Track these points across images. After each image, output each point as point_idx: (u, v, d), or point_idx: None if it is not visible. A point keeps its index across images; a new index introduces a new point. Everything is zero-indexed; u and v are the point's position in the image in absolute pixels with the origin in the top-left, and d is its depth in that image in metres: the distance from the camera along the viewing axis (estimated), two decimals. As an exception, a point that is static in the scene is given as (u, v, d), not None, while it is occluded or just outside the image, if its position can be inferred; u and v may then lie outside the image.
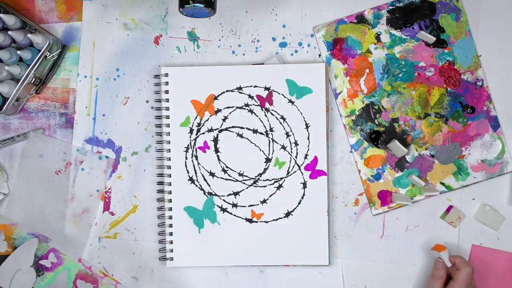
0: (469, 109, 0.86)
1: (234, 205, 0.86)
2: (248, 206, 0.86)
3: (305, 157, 0.85)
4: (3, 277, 0.86)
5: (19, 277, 0.87)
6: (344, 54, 0.87)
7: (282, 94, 0.86)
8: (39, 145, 0.88)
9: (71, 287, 0.86)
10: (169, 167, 0.86)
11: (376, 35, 0.87)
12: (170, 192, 0.86)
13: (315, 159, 0.85)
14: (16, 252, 0.87)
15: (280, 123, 0.86)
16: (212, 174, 0.86)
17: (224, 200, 0.86)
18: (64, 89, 0.89)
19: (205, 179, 0.86)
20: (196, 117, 0.86)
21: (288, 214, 0.85)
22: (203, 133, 0.86)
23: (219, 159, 0.86)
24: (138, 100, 0.88)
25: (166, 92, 0.86)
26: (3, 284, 0.86)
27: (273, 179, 0.86)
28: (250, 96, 0.86)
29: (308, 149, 0.85)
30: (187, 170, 0.86)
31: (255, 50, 0.88)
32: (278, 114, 0.86)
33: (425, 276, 0.87)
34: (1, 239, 0.87)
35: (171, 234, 0.86)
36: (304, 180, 0.85)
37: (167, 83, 0.86)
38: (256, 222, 0.86)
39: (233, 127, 0.86)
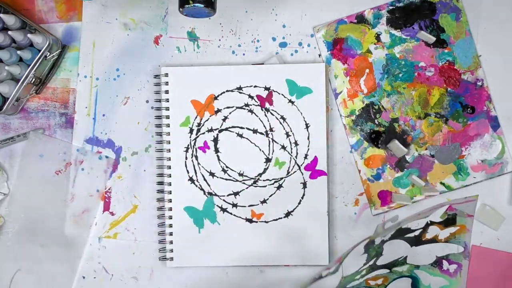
0: (469, 109, 0.86)
1: (234, 205, 0.86)
2: (248, 206, 0.86)
3: (305, 157, 0.85)
4: (3, 277, 0.86)
5: (19, 277, 0.87)
6: (344, 54, 0.87)
7: (282, 94, 0.86)
8: (39, 145, 0.88)
9: None
10: (169, 167, 0.86)
11: (376, 35, 0.87)
12: (170, 192, 0.86)
13: (315, 159, 0.85)
14: (16, 252, 0.87)
15: (280, 123, 0.86)
16: (212, 174, 0.86)
17: (224, 200, 0.86)
18: (64, 89, 0.89)
19: (205, 179, 0.86)
20: (196, 117, 0.86)
21: (288, 214, 0.85)
22: (203, 133, 0.86)
23: (219, 159, 0.86)
24: (138, 100, 0.88)
25: (166, 92, 0.86)
26: (3, 284, 0.86)
27: (273, 179, 0.86)
28: (250, 96, 0.86)
29: (308, 149, 0.86)
30: (187, 170, 0.86)
31: (255, 50, 0.88)
32: (278, 114, 0.86)
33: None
34: None
35: (171, 234, 0.86)
36: (304, 180, 0.85)
37: (167, 83, 0.86)
38: (256, 222, 0.86)
39: (233, 127, 0.86)
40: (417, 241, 0.78)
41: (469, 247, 0.77)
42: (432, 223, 0.76)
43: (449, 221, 0.76)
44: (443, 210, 0.74)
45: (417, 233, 0.77)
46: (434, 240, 0.77)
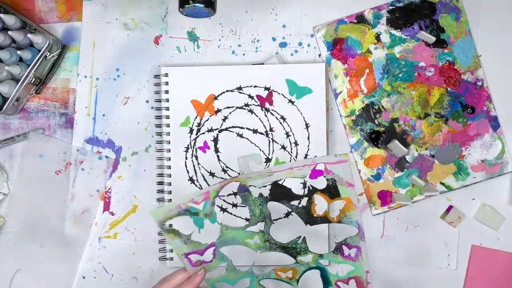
0: (469, 109, 0.86)
1: (234, 205, 0.86)
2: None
3: (305, 157, 0.85)
4: (3, 277, 0.86)
5: (19, 277, 0.87)
6: (344, 54, 0.87)
7: (282, 94, 0.86)
8: (39, 145, 0.88)
9: None
10: (169, 167, 0.86)
11: (376, 35, 0.87)
12: (170, 192, 0.86)
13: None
14: (16, 252, 0.87)
15: (280, 123, 0.86)
16: (212, 174, 0.86)
17: (224, 200, 0.86)
18: (64, 89, 0.89)
19: (205, 179, 0.86)
20: (196, 117, 0.86)
21: (288, 214, 0.85)
22: (203, 133, 0.86)
23: (219, 159, 0.86)
24: (138, 100, 0.88)
25: (166, 92, 0.86)
26: (3, 284, 0.86)
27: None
28: (250, 96, 0.86)
29: (308, 149, 0.85)
30: (187, 170, 0.86)
31: (255, 50, 0.88)
32: (278, 114, 0.86)
33: (426, 276, 0.87)
34: None
35: (171, 234, 0.86)
36: (304, 180, 0.85)
37: (167, 83, 0.86)
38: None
39: (233, 127, 0.86)
40: (308, 217, 0.80)
41: (362, 227, 0.79)
42: (314, 189, 0.79)
43: (331, 190, 0.79)
44: (321, 170, 0.78)
45: (304, 202, 0.80)
46: (325, 218, 0.80)
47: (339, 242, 0.80)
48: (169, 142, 0.86)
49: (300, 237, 0.81)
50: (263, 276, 0.82)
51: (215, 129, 0.86)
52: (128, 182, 0.88)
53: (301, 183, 0.81)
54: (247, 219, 0.85)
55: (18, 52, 0.84)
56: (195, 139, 0.86)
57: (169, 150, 0.86)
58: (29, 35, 0.82)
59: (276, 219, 0.84)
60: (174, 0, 0.88)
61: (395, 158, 0.86)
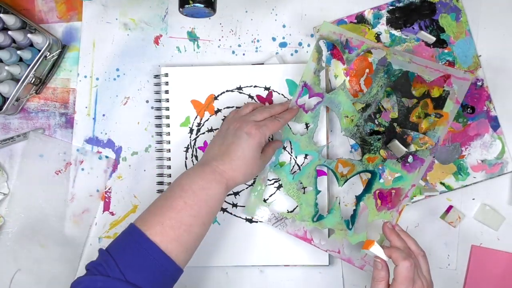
0: (469, 109, 0.86)
1: (234, 205, 0.86)
2: (248, 206, 0.86)
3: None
4: (3, 277, 0.86)
5: (19, 277, 0.87)
6: (344, 54, 0.87)
7: (282, 94, 0.86)
8: (39, 145, 0.88)
9: None
10: (169, 167, 0.86)
11: (376, 35, 0.87)
12: (170, 192, 0.86)
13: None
14: (16, 252, 0.87)
15: (280, 123, 0.86)
16: (212, 174, 0.86)
17: (224, 200, 0.86)
18: (64, 89, 0.89)
19: (205, 179, 0.86)
20: (196, 117, 0.86)
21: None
22: (203, 133, 0.86)
23: (219, 159, 0.86)
24: (138, 100, 0.88)
25: (166, 92, 0.86)
26: (3, 284, 0.86)
27: (273, 179, 0.85)
28: (250, 96, 0.86)
29: (308, 149, 0.85)
30: (187, 170, 0.86)
31: (255, 50, 0.88)
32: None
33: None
34: None
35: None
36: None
37: (167, 83, 0.86)
38: (256, 222, 0.86)
39: (233, 127, 0.86)
40: (404, 119, 0.82)
41: (440, 141, 0.81)
42: (428, 96, 0.82)
43: (439, 100, 0.81)
44: (444, 80, 0.81)
45: (410, 103, 0.82)
46: (416, 125, 0.82)
47: (409, 152, 0.82)
48: (169, 142, 0.86)
49: (380, 138, 0.83)
50: (325, 161, 0.83)
51: (215, 129, 0.86)
52: (128, 182, 0.88)
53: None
54: (247, 219, 0.86)
55: (18, 52, 0.84)
56: (195, 139, 0.86)
57: (169, 150, 0.86)
58: (29, 35, 0.83)
59: (376, 112, 0.85)
60: (174, 0, 0.88)
61: (395, 158, 0.86)
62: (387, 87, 0.82)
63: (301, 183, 0.83)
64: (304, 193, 0.83)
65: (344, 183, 0.84)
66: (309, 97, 0.83)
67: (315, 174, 0.83)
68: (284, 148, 0.85)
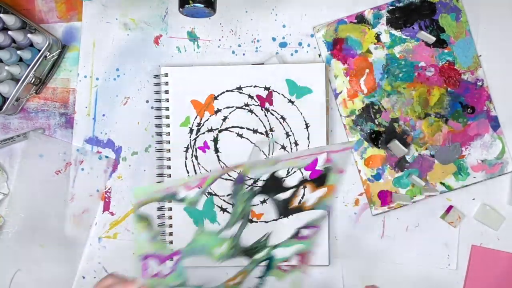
0: (469, 109, 0.86)
1: (234, 205, 0.86)
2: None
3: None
4: (3, 277, 0.86)
5: (19, 277, 0.87)
6: (344, 54, 0.87)
7: (282, 94, 0.86)
8: (39, 145, 0.88)
9: None
10: (169, 167, 0.86)
11: (376, 35, 0.87)
12: (170, 192, 0.86)
13: (315, 159, 0.85)
14: (16, 252, 0.87)
15: (280, 123, 0.86)
16: (212, 174, 0.86)
17: (224, 200, 0.86)
18: (64, 89, 0.89)
19: (205, 179, 0.86)
20: (196, 117, 0.86)
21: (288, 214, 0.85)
22: (203, 133, 0.86)
23: (219, 159, 0.86)
24: (138, 100, 0.88)
25: (166, 92, 0.86)
26: (3, 284, 0.86)
27: None
28: (250, 96, 0.86)
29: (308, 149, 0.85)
30: (187, 170, 0.86)
31: (255, 50, 0.88)
32: (278, 114, 0.86)
33: (426, 276, 0.87)
34: None
35: (171, 234, 0.86)
36: (301, 170, 0.85)
37: (167, 83, 0.86)
38: (256, 222, 0.86)
39: (233, 127, 0.86)
40: (284, 209, 0.75)
41: (331, 209, 0.75)
42: (305, 181, 0.73)
43: (320, 179, 0.73)
44: (322, 160, 0.72)
45: (288, 194, 0.74)
46: (300, 208, 0.75)
47: (300, 226, 0.76)
48: (169, 142, 0.86)
49: (265, 235, 0.77)
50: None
51: (215, 129, 0.86)
52: (128, 182, 0.88)
53: (297, 173, 0.79)
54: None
55: (18, 52, 0.84)
56: (195, 139, 0.86)
57: (169, 150, 0.86)
58: (29, 35, 0.83)
59: (253, 221, 0.83)
60: (174, 0, 0.88)
61: (395, 158, 0.86)
62: (258, 193, 0.74)
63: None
64: None
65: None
66: (161, 263, 0.67)
67: None
68: (284, 148, 0.85)
